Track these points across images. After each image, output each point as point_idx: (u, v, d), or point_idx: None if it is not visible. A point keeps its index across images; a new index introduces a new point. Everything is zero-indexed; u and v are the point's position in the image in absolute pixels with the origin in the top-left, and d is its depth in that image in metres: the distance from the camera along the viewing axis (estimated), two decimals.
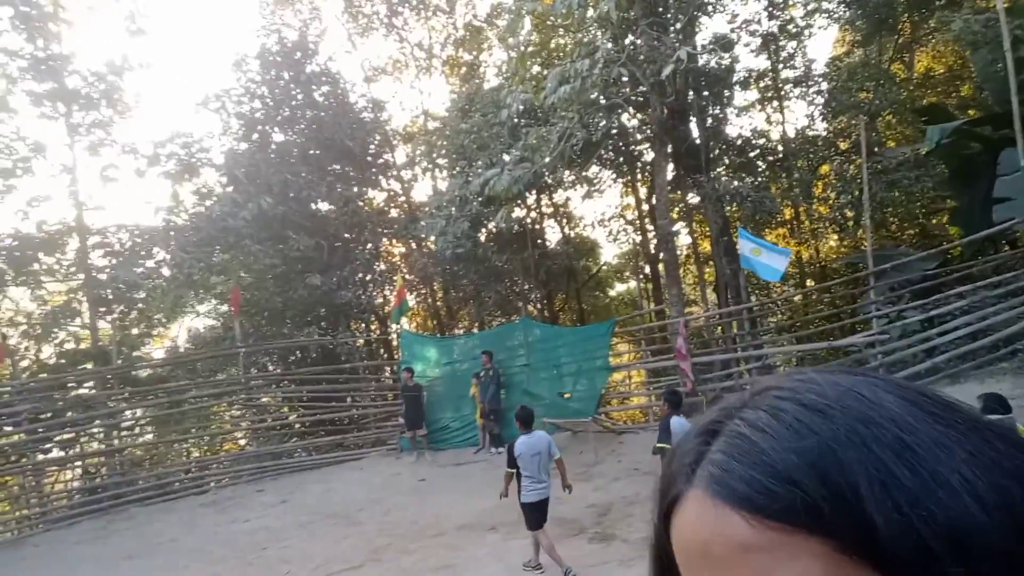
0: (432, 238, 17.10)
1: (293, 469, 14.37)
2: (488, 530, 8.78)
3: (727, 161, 18.17)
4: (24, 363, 18.06)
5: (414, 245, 20.29)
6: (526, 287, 19.13)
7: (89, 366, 17.06)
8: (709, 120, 17.16)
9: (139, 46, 34.09)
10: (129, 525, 11.94)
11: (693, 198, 18.49)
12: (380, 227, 20.31)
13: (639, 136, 18.48)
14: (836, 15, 17.56)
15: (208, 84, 38.63)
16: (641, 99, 15.58)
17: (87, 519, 12.72)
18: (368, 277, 19.08)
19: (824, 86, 17.16)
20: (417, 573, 7.58)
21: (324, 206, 19.60)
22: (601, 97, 13.23)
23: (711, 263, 19.92)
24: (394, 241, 21.55)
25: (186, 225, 17.46)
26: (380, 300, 20.39)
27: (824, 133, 18.04)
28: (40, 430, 14.19)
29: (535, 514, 6.92)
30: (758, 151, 18.26)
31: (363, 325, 21.32)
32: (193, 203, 18.96)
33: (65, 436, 15.17)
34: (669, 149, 15.84)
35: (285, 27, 20.02)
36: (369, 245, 20.46)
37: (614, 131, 16.51)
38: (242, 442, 17.00)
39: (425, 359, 14.90)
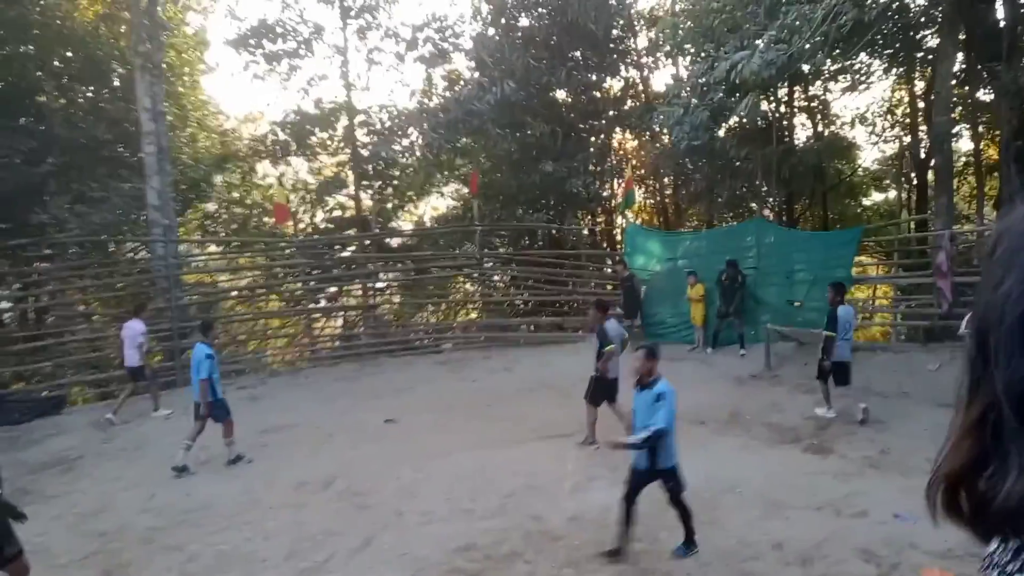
0: (667, 130, 16.46)
1: (516, 343, 15.47)
2: (698, 423, 8.84)
3: None
4: (301, 225, 21.14)
5: (648, 136, 19.75)
6: (764, 188, 17.84)
7: (352, 232, 19.48)
8: None
9: None
10: (377, 371, 13.83)
11: (984, 94, 15.60)
12: (615, 117, 19.99)
13: (923, 18, 15.73)
14: None
15: None
16: None
17: (345, 362, 14.95)
18: (599, 168, 19.10)
19: None
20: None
21: (561, 94, 19.67)
22: None
23: (995, 173, 16.93)
24: (628, 132, 21.14)
25: (436, 108, 18.61)
26: (608, 192, 20.40)
27: None
28: (312, 284, 16.71)
29: (609, 391, 8.13)
30: None
31: (589, 216, 21.61)
32: (444, 87, 20.09)
33: (331, 290, 17.73)
34: (961, 35, 13.36)
35: None
36: (602, 135, 20.33)
37: (893, 11, 14.23)
38: (473, 314, 18.59)
39: (648, 253, 14.80)
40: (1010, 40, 13.37)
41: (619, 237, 18.36)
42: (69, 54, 16.93)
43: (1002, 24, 13.73)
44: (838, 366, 8.86)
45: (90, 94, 18.02)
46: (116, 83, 18.02)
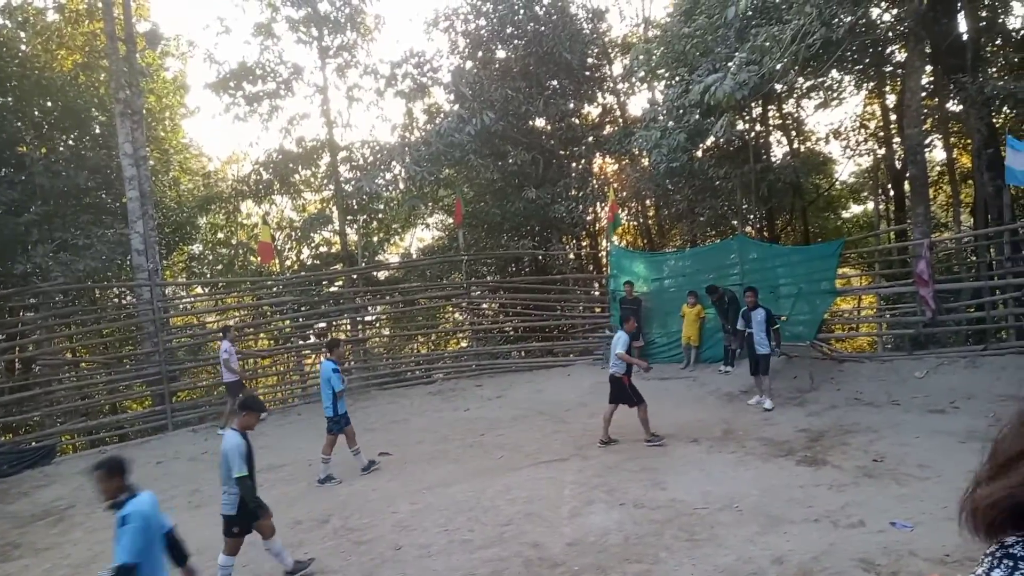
0: (646, 153, 16.72)
1: (507, 370, 15.47)
2: (690, 441, 8.86)
3: (1002, 60, 15.30)
4: (288, 262, 21.13)
5: (628, 160, 20.01)
6: (744, 205, 18.09)
7: (339, 267, 19.49)
8: (983, 11, 14.46)
9: None
10: (370, 404, 13.76)
11: (953, 105, 15.98)
12: (595, 142, 20.27)
13: (890, 34, 16.15)
14: None
15: (439, 2, 40.65)
16: None
17: None
18: (581, 192, 19.31)
19: None
20: (620, 471, 7.92)
21: (540, 122, 19.95)
22: None
23: (970, 181, 17.29)
24: (607, 157, 21.43)
25: (418, 141, 18.78)
26: (591, 216, 20.60)
27: None
28: (300, 319, 16.67)
29: (611, 386, 9.15)
30: None
31: (574, 240, 21.79)
32: (424, 120, 20.30)
33: (320, 325, 17.68)
34: (927, 48, 13.72)
35: None
36: (583, 161, 20.57)
37: (860, 28, 14.62)
38: (464, 343, 18.58)
39: (633, 274, 14.92)
40: (974, 52, 13.77)
41: (604, 260, 18.50)
42: (49, 104, 17.01)
43: (965, 37, 14.14)
44: (764, 357, 10.25)
45: (71, 142, 18.08)
46: (97, 130, 18.10)
